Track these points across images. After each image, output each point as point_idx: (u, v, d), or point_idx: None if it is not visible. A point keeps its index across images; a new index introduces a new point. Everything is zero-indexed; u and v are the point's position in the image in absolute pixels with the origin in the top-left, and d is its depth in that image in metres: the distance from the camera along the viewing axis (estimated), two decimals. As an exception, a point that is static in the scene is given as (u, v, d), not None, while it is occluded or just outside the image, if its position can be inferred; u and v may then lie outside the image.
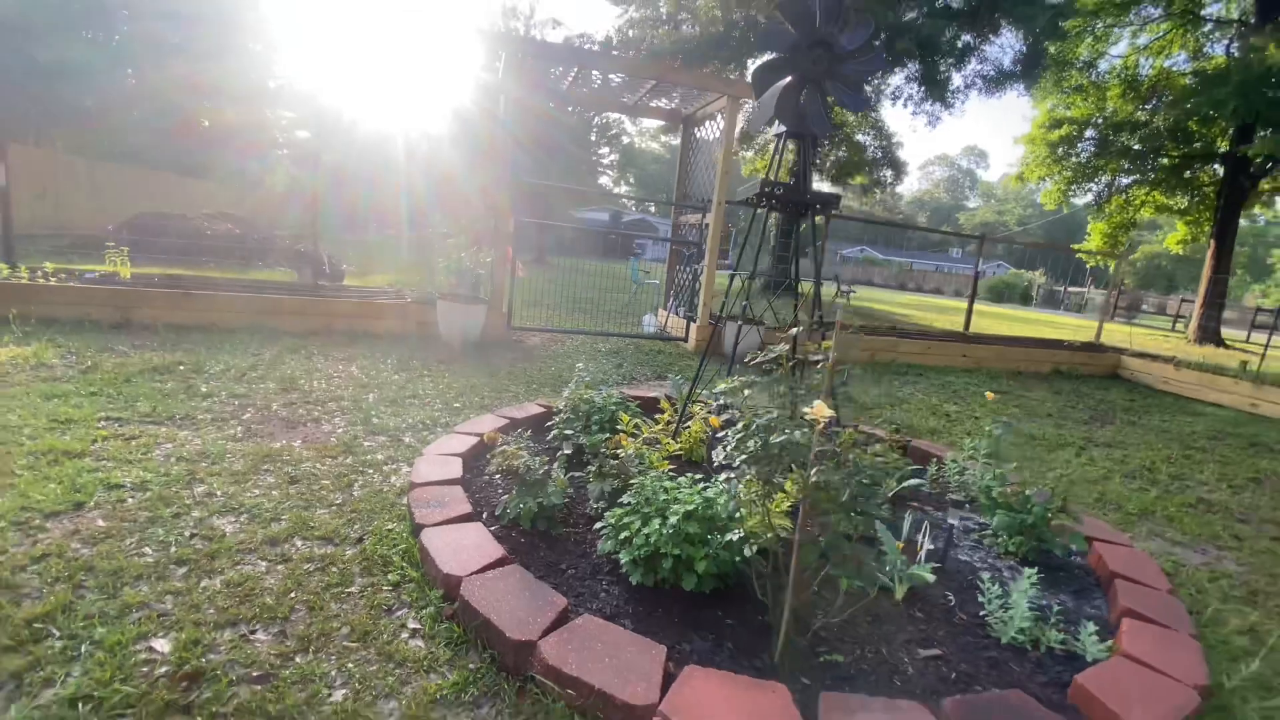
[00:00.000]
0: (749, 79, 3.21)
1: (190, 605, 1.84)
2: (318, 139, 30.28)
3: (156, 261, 9.43)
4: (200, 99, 23.74)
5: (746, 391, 1.87)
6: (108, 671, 1.54)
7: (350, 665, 1.68)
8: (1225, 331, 20.39)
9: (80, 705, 1.45)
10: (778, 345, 1.88)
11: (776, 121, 2.56)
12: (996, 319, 19.23)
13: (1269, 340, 9.12)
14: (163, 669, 1.58)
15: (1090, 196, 20.24)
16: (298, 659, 1.68)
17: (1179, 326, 24.63)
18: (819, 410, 1.47)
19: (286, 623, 1.82)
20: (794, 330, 1.76)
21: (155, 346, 4.74)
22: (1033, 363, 8.41)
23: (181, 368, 4.26)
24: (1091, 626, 2.00)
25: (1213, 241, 17.36)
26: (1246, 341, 9.01)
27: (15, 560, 1.94)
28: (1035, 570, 2.15)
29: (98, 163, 17.43)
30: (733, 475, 1.86)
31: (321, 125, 29.22)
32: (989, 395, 3.42)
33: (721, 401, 1.92)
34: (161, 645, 1.66)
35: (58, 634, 1.66)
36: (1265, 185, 17.85)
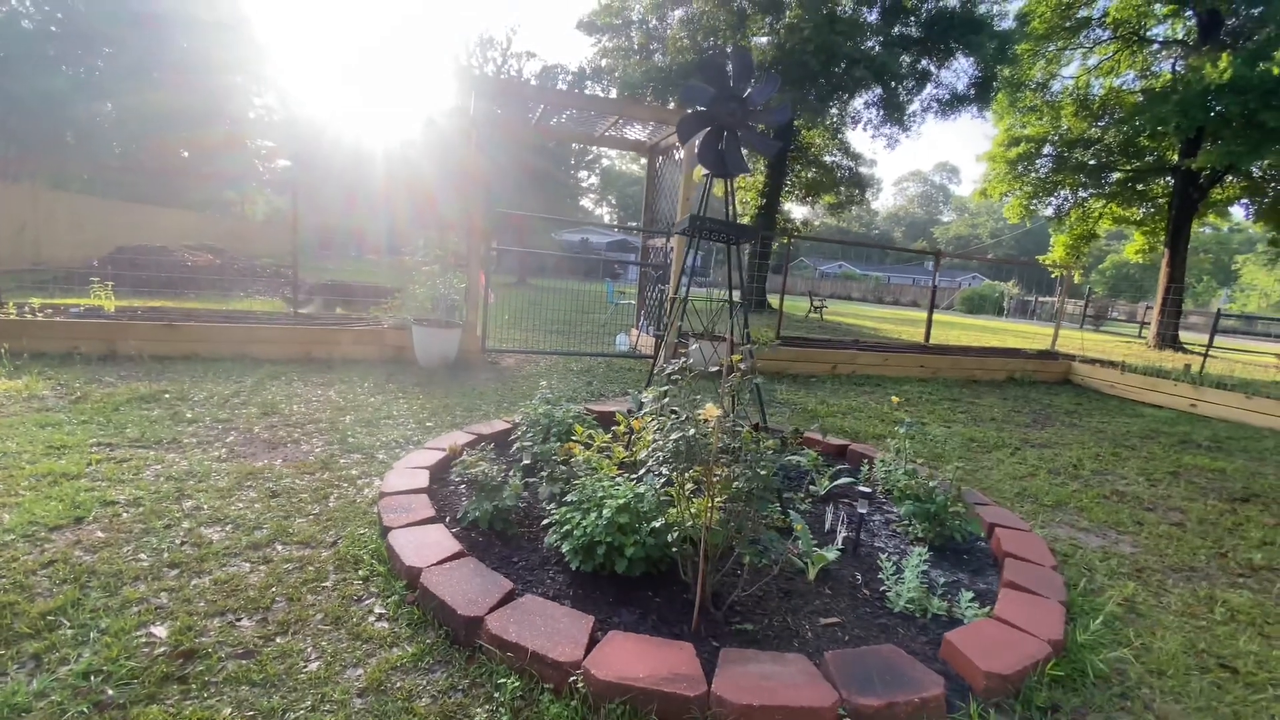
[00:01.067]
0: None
1: (183, 599, 2.11)
2: (298, 167, 30.62)
3: (139, 294, 9.65)
4: (180, 131, 24.03)
5: (666, 400, 2.19)
6: (114, 651, 1.81)
7: (323, 643, 1.95)
8: (1189, 335, 21.16)
9: (92, 677, 1.71)
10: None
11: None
12: (965, 330, 19.83)
13: (1210, 343, 9.65)
14: (161, 649, 1.85)
15: (1051, 210, 21.03)
16: (278, 639, 1.95)
17: (1144, 333, 25.45)
18: (709, 411, 1.79)
19: (268, 611, 2.09)
20: (695, 345, 2.08)
21: (141, 376, 4.98)
22: (987, 371, 8.83)
23: (167, 396, 4.50)
24: (969, 594, 2.33)
25: (1167, 251, 18.11)
26: (1209, 343, 9.60)
27: (26, 566, 2.20)
28: (927, 549, 2.48)
29: (78, 196, 17.57)
30: (651, 472, 2.17)
31: (301, 153, 29.59)
32: (894, 399, 3.75)
33: (647, 410, 2.23)
34: (159, 631, 1.93)
35: (68, 624, 1.92)
36: (1216, 194, 18.66)
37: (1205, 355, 9.69)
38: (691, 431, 1.85)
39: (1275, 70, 12.44)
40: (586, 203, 40.97)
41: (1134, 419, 6.93)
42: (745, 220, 20.31)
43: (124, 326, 5.68)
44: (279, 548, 2.52)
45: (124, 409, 4.11)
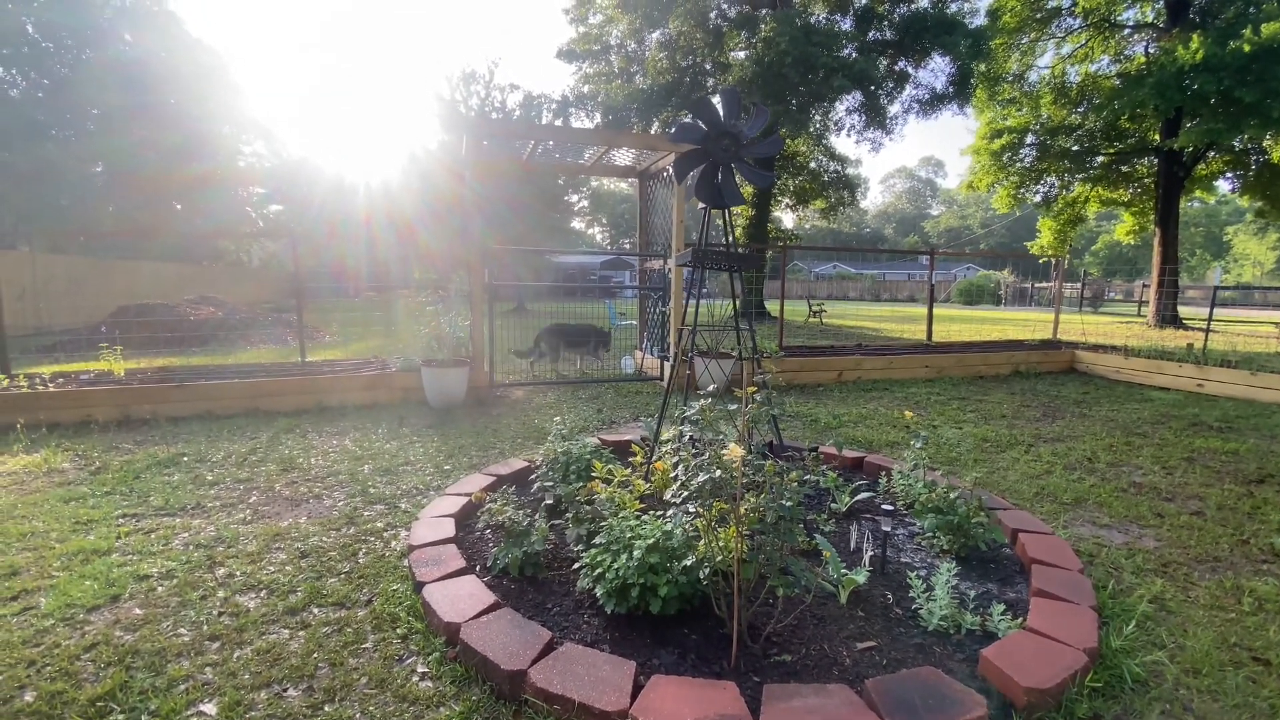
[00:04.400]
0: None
1: (228, 673, 2.13)
2: (290, 210, 30.87)
3: (144, 353, 9.72)
4: (173, 184, 24.30)
5: (686, 438, 2.23)
6: (167, 734, 1.83)
7: (371, 708, 1.98)
8: (1189, 310, 21.21)
9: (149, 763, 1.74)
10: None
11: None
12: (965, 322, 19.85)
13: (1210, 319, 9.68)
14: (213, 728, 1.88)
15: (1040, 197, 21.19)
16: (326, 708, 1.98)
17: (1143, 311, 25.51)
18: (734, 451, 1.83)
19: (313, 679, 2.12)
20: (702, 365, 2.12)
21: (158, 440, 5.02)
22: (992, 366, 8.86)
23: (185, 459, 4.54)
24: (1000, 607, 2.35)
25: (1158, 229, 18.21)
26: (1209, 320, 9.64)
27: (70, 651, 2.23)
28: (954, 563, 2.50)
29: (75, 258, 17.73)
30: (680, 510, 2.21)
31: (293, 195, 29.87)
32: (908, 414, 3.79)
33: (668, 449, 2.27)
34: (209, 708, 1.96)
35: (119, 709, 1.95)
36: (1200, 170, 18.80)
37: (1206, 332, 9.72)
38: (718, 474, 1.89)
39: (1246, 48, 12.61)
40: (579, 224, 41.24)
41: (1143, 404, 6.95)
42: (737, 231, 20.47)
43: (136, 390, 5.73)
44: (315, 611, 2.54)
45: (145, 476, 4.15)
